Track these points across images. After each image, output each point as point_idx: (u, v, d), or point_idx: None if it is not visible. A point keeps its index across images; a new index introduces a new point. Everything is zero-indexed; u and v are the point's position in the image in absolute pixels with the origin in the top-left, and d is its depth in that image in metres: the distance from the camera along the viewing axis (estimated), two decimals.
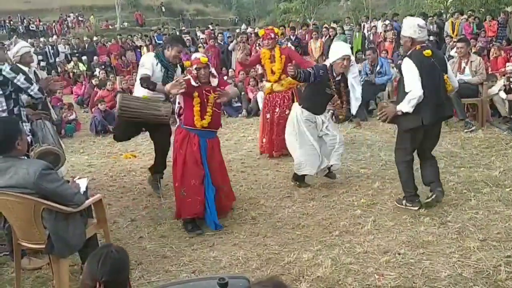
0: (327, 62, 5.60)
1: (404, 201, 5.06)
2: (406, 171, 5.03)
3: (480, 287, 3.55)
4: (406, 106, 4.68)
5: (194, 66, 4.90)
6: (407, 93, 4.68)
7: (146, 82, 5.47)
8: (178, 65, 5.84)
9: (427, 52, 4.70)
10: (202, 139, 4.94)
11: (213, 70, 5.02)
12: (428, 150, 5.09)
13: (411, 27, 4.76)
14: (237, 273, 3.95)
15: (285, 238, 4.64)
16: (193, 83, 4.89)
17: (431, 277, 3.75)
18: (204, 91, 4.90)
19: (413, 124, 4.76)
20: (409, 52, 4.80)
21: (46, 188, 3.33)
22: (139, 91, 5.67)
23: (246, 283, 1.41)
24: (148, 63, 5.57)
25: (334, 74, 5.51)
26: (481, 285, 3.58)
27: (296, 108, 5.83)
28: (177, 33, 21.66)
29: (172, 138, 5.53)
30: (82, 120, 11.20)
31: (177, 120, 5.26)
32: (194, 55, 5.22)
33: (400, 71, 4.92)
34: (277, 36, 7.07)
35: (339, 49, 5.52)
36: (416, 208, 4.96)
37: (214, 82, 4.99)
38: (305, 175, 5.94)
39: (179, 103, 5.19)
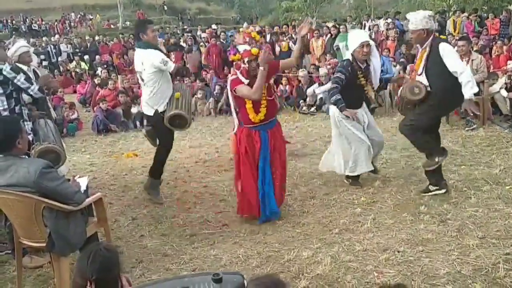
0: (349, 55, 5.56)
1: (430, 187, 5.25)
2: (426, 140, 5.15)
3: (479, 284, 3.55)
4: (473, 87, 4.67)
5: (246, 59, 4.70)
6: (451, 75, 4.71)
7: (179, 71, 5.38)
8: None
9: (444, 38, 4.81)
10: (263, 132, 4.89)
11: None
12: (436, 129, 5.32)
13: (422, 19, 4.82)
14: (232, 270, 3.99)
15: (285, 236, 4.66)
16: (242, 79, 4.73)
17: (430, 275, 3.76)
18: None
19: (457, 101, 5.02)
20: (435, 39, 4.87)
21: (47, 186, 3.35)
22: (161, 102, 5.45)
23: (241, 279, 1.43)
24: (160, 55, 5.28)
25: (359, 64, 5.46)
26: (480, 282, 3.59)
27: (333, 108, 5.64)
28: (179, 32, 21.68)
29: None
30: (84, 119, 11.23)
31: (236, 119, 5.03)
32: (241, 47, 4.87)
33: (432, 57, 4.81)
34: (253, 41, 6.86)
35: (356, 38, 5.46)
36: (443, 191, 5.20)
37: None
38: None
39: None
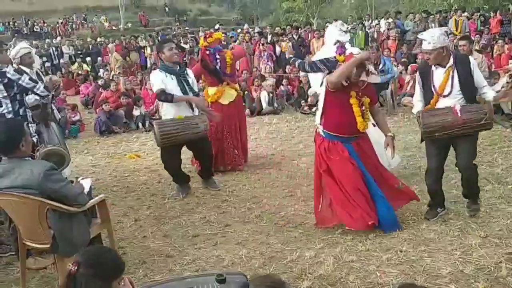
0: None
1: (476, 204, 4.84)
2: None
3: (481, 284, 3.56)
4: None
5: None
6: (481, 88, 4.60)
7: (163, 95, 5.48)
8: (184, 67, 5.85)
9: None
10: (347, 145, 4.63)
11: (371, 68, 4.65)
12: None
13: (439, 36, 4.49)
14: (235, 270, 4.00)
15: (288, 236, 4.66)
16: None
17: (432, 274, 3.77)
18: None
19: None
20: (455, 55, 4.63)
21: (51, 188, 3.37)
22: (168, 112, 5.70)
23: (244, 279, 1.44)
24: (157, 79, 5.59)
25: None
26: (482, 281, 3.60)
27: None
28: (182, 33, 21.73)
29: None
30: (87, 120, 11.26)
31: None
32: (348, 50, 4.76)
33: (464, 69, 4.53)
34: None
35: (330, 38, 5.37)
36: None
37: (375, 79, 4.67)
38: None
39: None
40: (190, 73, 5.85)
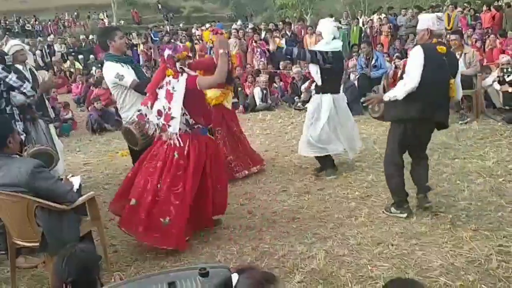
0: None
1: (392, 208, 4.79)
2: (394, 175, 4.74)
3: (472, 276, 3.57)
4: (398, 91, 4.44)
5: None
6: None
7: (141, 86, 4.82)
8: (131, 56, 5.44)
9: (442, 48, 4.48)
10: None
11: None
12: (416, 152, 4.84)
13: (429, 19, 4.56)
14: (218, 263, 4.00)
15: (280, 231, 4.66)
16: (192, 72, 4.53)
17: (423, 267, 3.79)
18: None
19: (400, 115, 4.54)
20: (429, 44, 4.54)
21: (39, 186, 3.35)
22: (131, 109, 4.99)
23: (227, 272, 1.43)
24: (122, 70, 4.90)
25: None
26: (473, 274, 3.61)
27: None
28: (176, 30, 21.65)
29: None
30: (79, 118, 11.21)
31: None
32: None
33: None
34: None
35: (333, 27, 5.85)
36: (405, 215, 4.67)
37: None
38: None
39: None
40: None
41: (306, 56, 5.74)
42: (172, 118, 4.32)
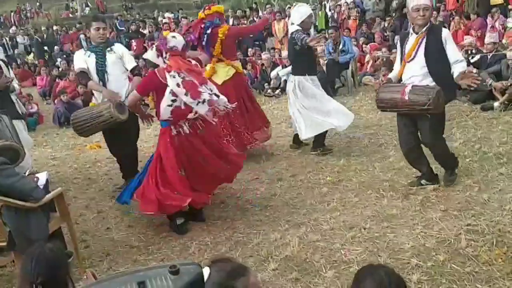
0: (296, 27, 5.95)
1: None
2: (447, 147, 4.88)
3: (442, 256, 3.64)
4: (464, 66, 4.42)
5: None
6: (454, 62, 4.39)
7: (80, 76, 5.32)
8: (111, 48, 5.32)
9: None
10: None
11: None
12: None
13: None
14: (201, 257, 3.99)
15: (253, 220, 4.67)
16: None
17: (395, 249, 3.84)
18: None
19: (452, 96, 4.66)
20: (435, 23, 4.52)
21: (3, 184, 3.27)
22: (97, 97, 5.44)
23: (198, 268, 1.41)
24: (78, 59, 5.32)
25: (307, 33, 6.08)
26: (443, 254, 3.68)
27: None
28: (142, 18, 21.27)
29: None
30: (45, 112, 10.96)
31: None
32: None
33: (435, 38, 4.43)
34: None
35: (305, 10, 6.08)
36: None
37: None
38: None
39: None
40: (118, 49, 5.37)
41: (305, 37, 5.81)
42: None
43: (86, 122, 5.13)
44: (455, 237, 3.91)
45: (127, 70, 5.41)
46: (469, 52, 8.51)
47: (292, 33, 6.01)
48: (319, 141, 6.26)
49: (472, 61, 8.36)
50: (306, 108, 6.02)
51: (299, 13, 6.00)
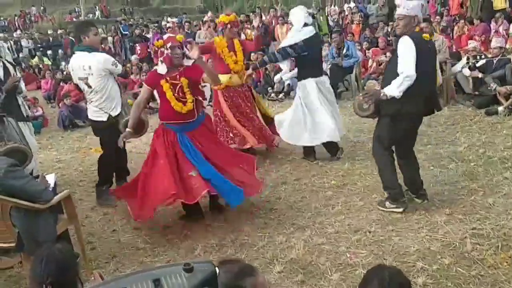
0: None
1: (386, 203, 4.60)
2: (386, 165, 4.56)
3: (448, 260, 3.66)
4: (395, 89, 4.14)
5: (169, 44, 4.45)
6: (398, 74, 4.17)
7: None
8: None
9: (426, 36, 4.29)
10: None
11: (186, 51, 4.63)
12: (409, 144, 4.67)
13: (417, 5, 4.27)
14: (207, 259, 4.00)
15: (259, 222, 4.68)
16: (161, 68, 4.52)
17: (400, 253, 3.86)
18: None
19: (400, 109, 4.26)
20: (415, 33, 4.26)
21: (13, 185, 3.29)
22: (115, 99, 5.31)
23: (212, 267, 1.43)
24: (111, 58, 5.39)
25: None
26: (449, 257, 3.70)
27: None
28: (145, 23, 21.33)
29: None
30: (50, 115, 11.00)
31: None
32: (166, 35, 4.87)
33: (393, 51, 4.47)
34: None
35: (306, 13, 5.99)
36: (401, 210, 4.50)
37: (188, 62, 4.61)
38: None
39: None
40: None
41: (277, 58, 5.96)
42: None
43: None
44: (461, 240, 3.93)
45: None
46: (477, 57, 8.54)
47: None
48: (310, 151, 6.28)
49: (477, 65, 8.38)
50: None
51: (304, 16, 5.89)
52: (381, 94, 4.24)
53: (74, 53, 5.35)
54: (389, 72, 4.37)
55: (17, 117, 5.29)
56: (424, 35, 4.34)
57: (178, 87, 4.50)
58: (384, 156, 4.56)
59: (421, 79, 4.15)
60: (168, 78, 4.50)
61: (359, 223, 4.42)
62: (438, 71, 4.63)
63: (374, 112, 4.53)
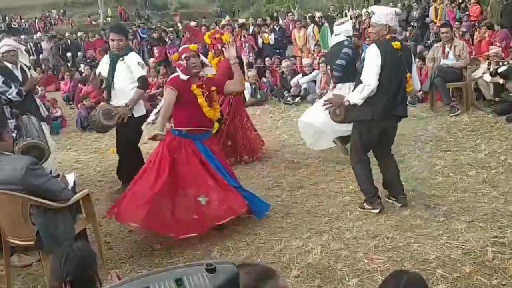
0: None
1: (365, 204, 4.76)
2: (362, 173, 4.74)
3: (468, 268, 3.59)
4: (355, 96, 4.34)
5: (184, 55, 4.51)
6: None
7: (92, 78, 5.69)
8: (123, 57, 5.41)
9: (396, 44, 4.33)
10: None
11: (204, 59, 4.70)
12: (383, 149, 4.81)
13: (388, 14, 4.41)
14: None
15: (275, 226, 4.66)
16: (182, 76, 4.53)
17: (419, 260, 3.80)
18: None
19: (362, 116, 4.45)
20: (377, 40, 4.43)
21: (33, 184, 3.31)
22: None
23: (234, 268, 1.41)
24: (102, 62, 5.70)
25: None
26: (469, 265, 3.63)
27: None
28: (162, 27, 21.48)
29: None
30: (69, 116, 11.12)
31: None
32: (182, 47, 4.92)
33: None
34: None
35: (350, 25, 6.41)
36: (377, 211, 4.63)
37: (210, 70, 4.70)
38: None
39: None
40: (130, 59, 5.41)
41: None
42: None
43: (90, 120, 5.55)
44: (481, 249, 3.86)
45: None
46: (500, 63, 8.43)
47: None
48: None
49: (499, 71, 8.26)
50: None
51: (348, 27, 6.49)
52: (344, 101, 4.46)
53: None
54: (358, 79, 4.48)
55: (38, 118, 5.36)
56: (394, 43, 4.36)
57: (206, 94, 4.53)
58: (359, 164, 4.74)
59: (387, 86, 4.31)
60: (197, 85, 4.52)
61: (377, 229, 4.37)
62: (414, 77, 4.65)
63: (345, 117, 4.76)
